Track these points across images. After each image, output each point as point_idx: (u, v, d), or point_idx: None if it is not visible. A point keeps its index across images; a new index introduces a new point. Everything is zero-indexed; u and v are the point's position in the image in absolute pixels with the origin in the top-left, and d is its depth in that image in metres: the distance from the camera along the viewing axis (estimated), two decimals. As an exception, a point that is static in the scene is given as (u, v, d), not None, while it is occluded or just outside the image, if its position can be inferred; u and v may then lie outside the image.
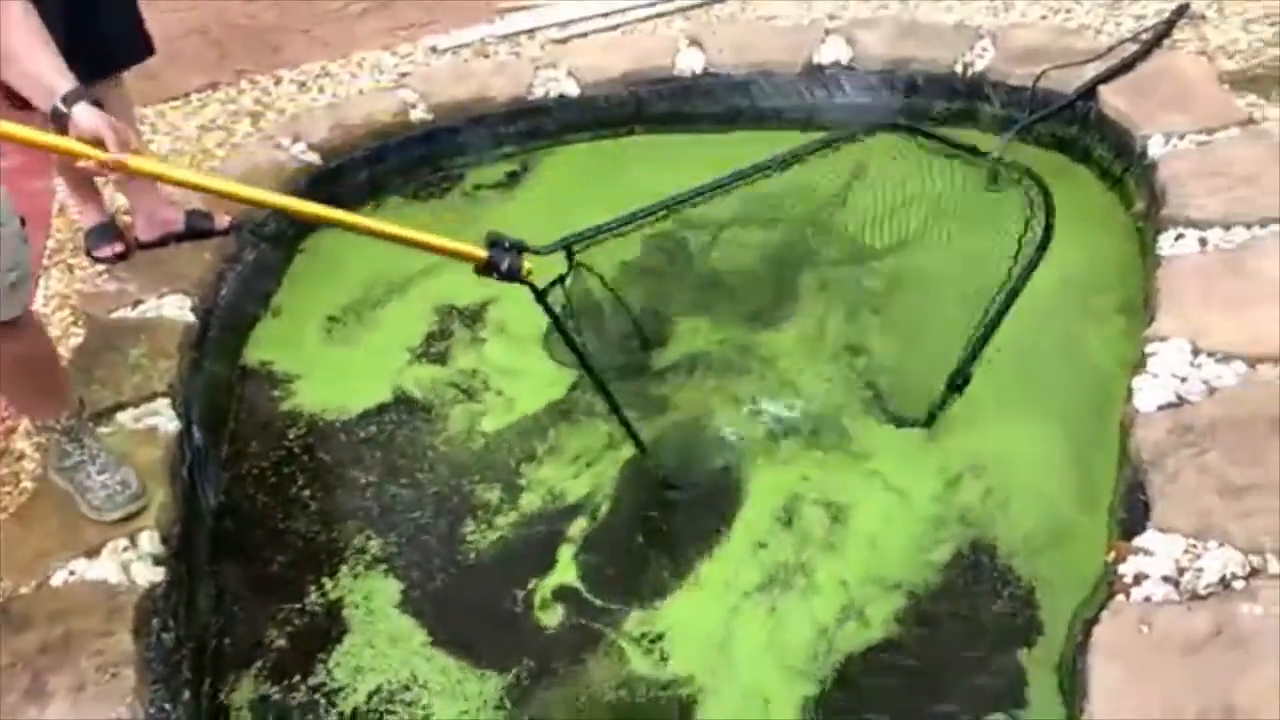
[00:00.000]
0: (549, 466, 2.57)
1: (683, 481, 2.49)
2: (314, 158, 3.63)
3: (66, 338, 2.91)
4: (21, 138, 1.84)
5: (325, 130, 3.71)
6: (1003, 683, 1.97)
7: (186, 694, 2.09)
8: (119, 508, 2.30)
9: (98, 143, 1.93)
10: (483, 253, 2.16)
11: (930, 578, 2.17)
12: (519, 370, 2.87)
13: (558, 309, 2.29)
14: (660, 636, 2.14)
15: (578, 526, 2.41)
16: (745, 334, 2.86)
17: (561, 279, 2.27)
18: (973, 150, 2.34)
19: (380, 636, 2.23)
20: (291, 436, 2.79)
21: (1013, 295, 2.28)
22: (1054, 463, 2.36)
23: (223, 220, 3.29)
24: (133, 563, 2.22)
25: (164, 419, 2.59)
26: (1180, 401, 2.18)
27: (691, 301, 2.99)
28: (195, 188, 2.17)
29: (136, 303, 2.97)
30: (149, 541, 2.27)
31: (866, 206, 2.70)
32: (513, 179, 3.75)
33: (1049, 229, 2.21)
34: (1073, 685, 1.83)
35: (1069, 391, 2.54)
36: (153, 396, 2.64)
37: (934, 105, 3.66)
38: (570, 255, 2.29)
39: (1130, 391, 2.25)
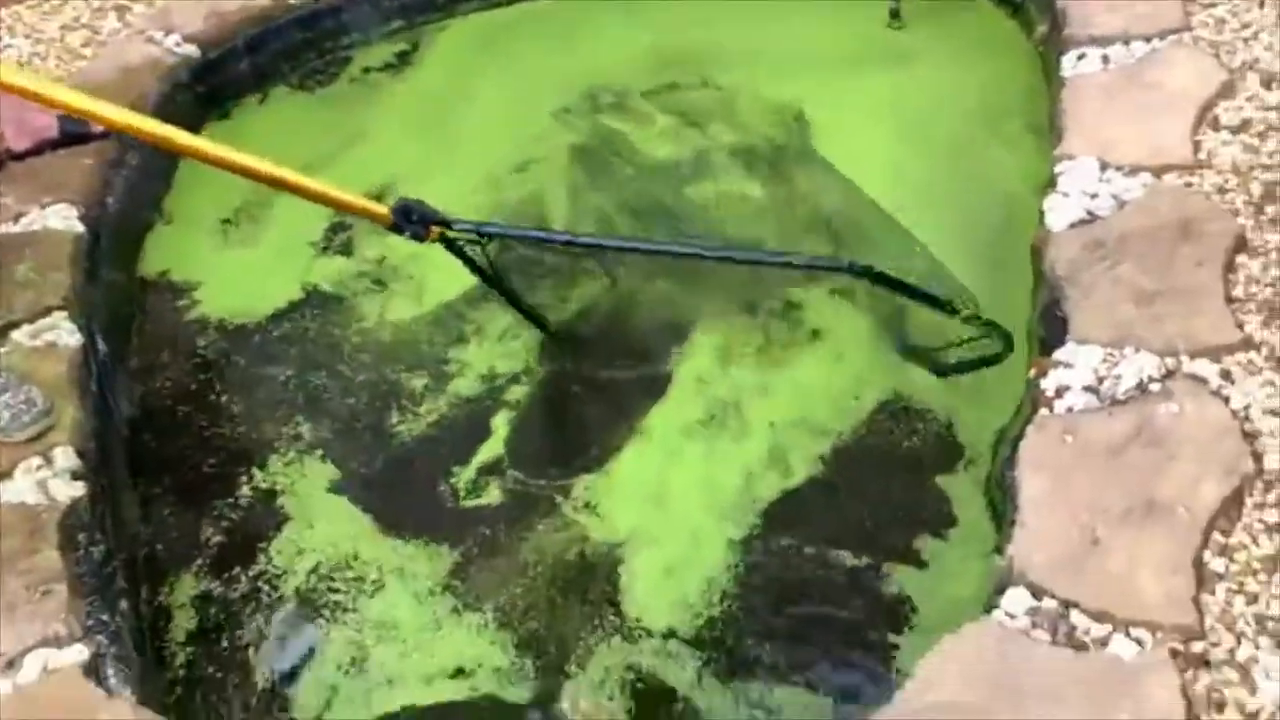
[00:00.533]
0: (474, 346, 2.54)
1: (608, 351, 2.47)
2: (191, 49, 3.41)
3: (-54, 261, 2.75)
4: None
5: (200, 20, 3.49)
6: (932, 508, 2.02)
7: (124, 603, 2.06)
8: (27, 427, 2.21)
9: None
10: (386, 213, 2.11)
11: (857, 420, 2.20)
12: (427, 255, 2.79)
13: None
14: (597, 499, 2.15)
15: (509, 400, 2.39)
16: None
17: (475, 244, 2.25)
18: (948, 307, 2.20)
19: (319, 519, 2.22)
20: (202, 342, 2.70)
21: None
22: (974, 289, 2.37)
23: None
24: (49, 480, 2.14)
25: (63, 332, 2.47)
26: (1091, 217, 2.21)
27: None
28: (70, 109, 1.84)
29: (18, 216, 2.80)
30: (64, 457, 2.19)
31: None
32: (403, 59, 3.58)
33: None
34: (1003, 501, 1.88)
35: (982, 217, 2.56)
36: (47, 311, 2.52)
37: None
38: (480, 238, 2.24)
39: (1042, 213, 2.27)
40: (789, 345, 2.37)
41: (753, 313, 2.43)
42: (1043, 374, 1.94)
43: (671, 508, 2.11)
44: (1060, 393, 1.90)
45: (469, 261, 2.32)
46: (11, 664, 1.82)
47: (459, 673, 1.93)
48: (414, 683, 1.93)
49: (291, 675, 2.00)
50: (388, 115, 3.27)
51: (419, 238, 2.16)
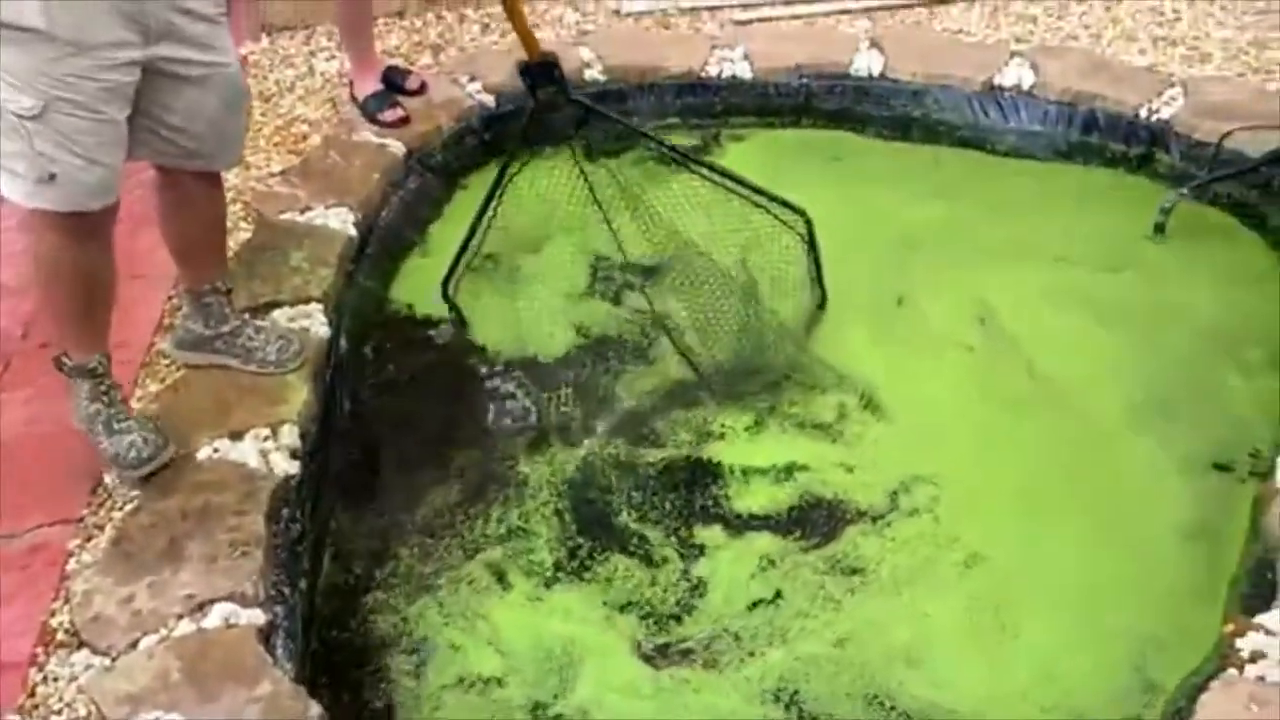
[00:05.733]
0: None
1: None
2: (488, 98, 3.71)
3: (236, 231, 3.05)
4: None
5: (502, 73, 3.79)
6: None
7: (304, 582, 2.21)
8: (295, 358, 2.51)
9: None
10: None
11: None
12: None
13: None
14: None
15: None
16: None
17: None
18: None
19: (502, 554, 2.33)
20: (427, 358, 2.88)
21: None
22: (1185, 516, 2.33)
23: (415, 80, 3.60)
24: (272, 452, 2.34)
25: (315, 322, 2.70)
26: (1325, 487, 2.12)
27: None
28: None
29: (305, 209, 3.09)
30: (288, 434, 2.39)
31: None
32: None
33: None
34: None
35: (1208, 439, 2.51)
36: (308, 300, 2.76)
37: (1109, 146, 3.58)
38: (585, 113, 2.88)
39: (1274, 466, 2.20)
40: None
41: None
42: (1240, 634, 1.87)
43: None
44: (1255, 658, 1.82)
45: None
46: (201, 608, 1.99)
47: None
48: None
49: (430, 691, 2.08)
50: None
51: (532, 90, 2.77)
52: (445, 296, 2.97)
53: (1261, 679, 1.79)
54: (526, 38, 2.71)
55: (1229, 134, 3.30)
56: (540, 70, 2.76)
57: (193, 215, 2.38)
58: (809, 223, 2.83)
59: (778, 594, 2.21)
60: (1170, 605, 2.15)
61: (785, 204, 2.83)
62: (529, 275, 3.14)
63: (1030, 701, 2.00)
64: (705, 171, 2.91)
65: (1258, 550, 2.09)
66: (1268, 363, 2.71)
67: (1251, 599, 2.00)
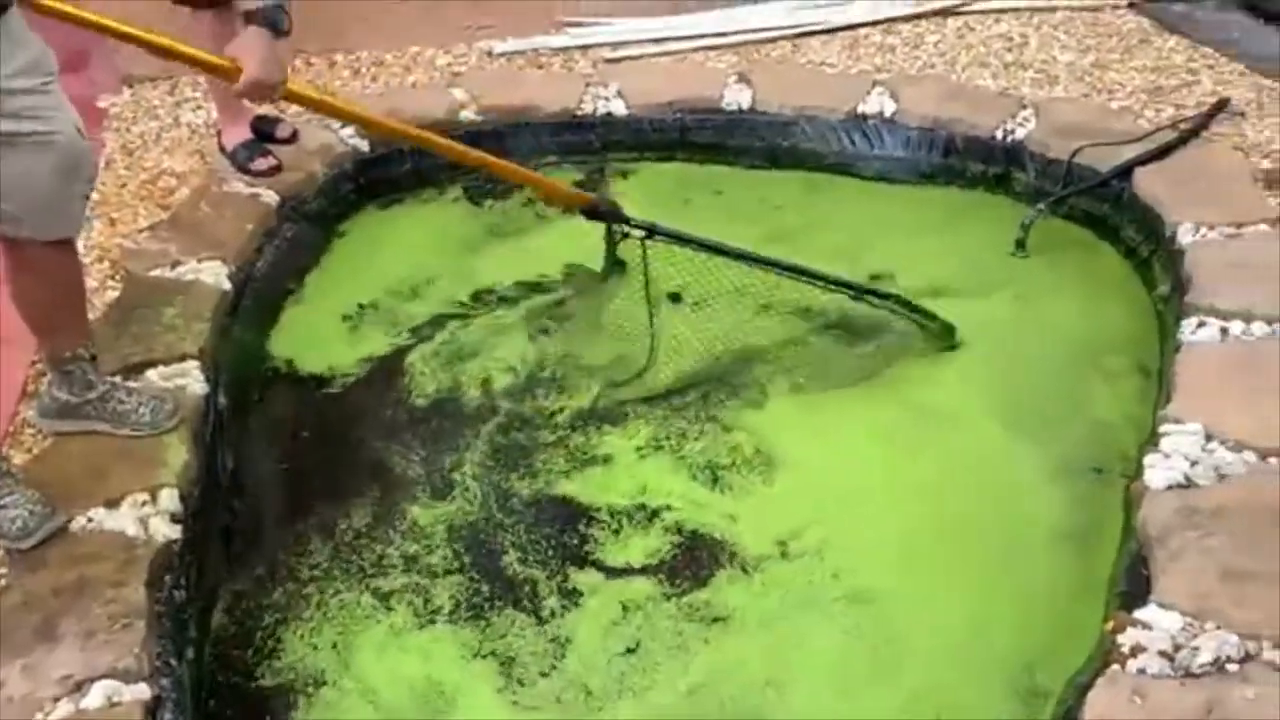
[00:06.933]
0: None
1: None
2: (362, 143, 3.68)
3: (103, 290, 2.95)
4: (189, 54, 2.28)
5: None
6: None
7: (191, 651, 2.13)
8: (171, 418, 2.43)
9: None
10: (588, 198, 2.86)
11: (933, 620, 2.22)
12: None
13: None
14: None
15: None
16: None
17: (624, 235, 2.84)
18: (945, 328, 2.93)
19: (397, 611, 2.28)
20: (312, 408, 2.84)
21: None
22: (1064, 524, 2.41)
23: (285, 129, 3.55)
24: (151, 518, 2.25)
25: (192, 380, 2.63)
26: (1189, 484, 2.23)
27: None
28: (349, 118, 2.88)
29: (176, 264, 3.01)
30: (168, 498, 2.30)
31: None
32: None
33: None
34: (1060, 747, 1.87)
35: (1080, 447, 2.61)
36: (183, 357, 2.69)
37: (970, 167, 3.74)
38: (646, 238, 2.79)
39: (1141, 467, 2.31)
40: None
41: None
42: (1120, 630, 1.95)
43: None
44: (1135, 653, 1.90)
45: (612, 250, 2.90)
46: (79, 687, 1.89)
47: None
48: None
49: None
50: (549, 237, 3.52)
51: (605, 220, 2.84)
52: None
53: (1143, 672, 1.87)
54: (571, 197, 2.89)
55: (1079, 151, 3.48)
56: (601, 214, 2.86)
57: (41, 282, 2.25)
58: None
59: (637, 644, 2.18)
60: (1056, 611, 2.21)
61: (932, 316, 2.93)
62: (409, 321, 3.12)
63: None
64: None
65: (1132, 548, 2.19)
66: (1130, 368, 2.84)
67: (1129, 595, 2.08)
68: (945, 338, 2.94)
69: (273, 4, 2.41)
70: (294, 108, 3.90)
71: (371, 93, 4.07)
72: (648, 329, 2.86)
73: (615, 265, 2.93)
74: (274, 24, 2.39)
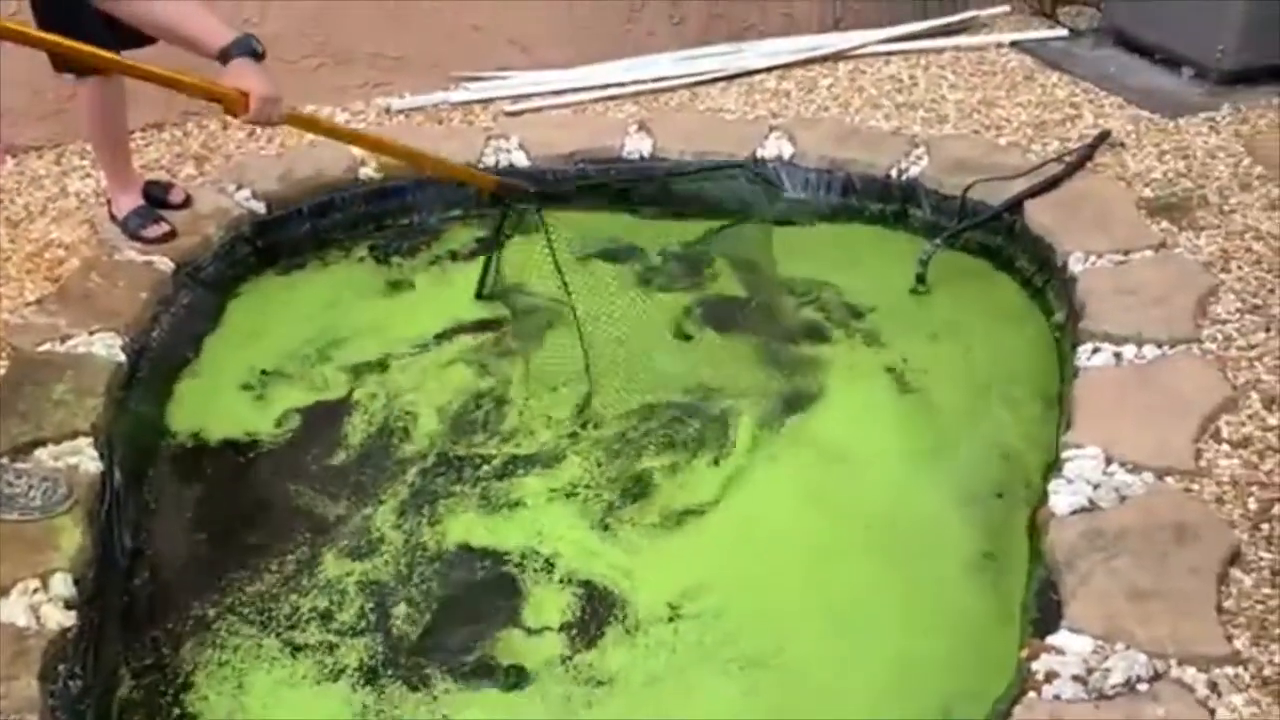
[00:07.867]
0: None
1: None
2: (259, 206, 3.62)
3: (-12, 368, 2.83)
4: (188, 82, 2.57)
5: (273, 180, 3.71)
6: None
7: (90, 745, 2.03)
8: (64, 500, 2.33)
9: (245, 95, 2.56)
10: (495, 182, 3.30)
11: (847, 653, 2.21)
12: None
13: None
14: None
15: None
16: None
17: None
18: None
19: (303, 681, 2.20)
20: (213, 480, 2.75)
21: None
22: (977, 553, 2.44)
23: (178, 194, 3.50)
24: (43, 605, 2.15)
25: (85, 458, 2.52)
26: (1092, 506, 2.28)
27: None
28: (345, 138, 3.17)
29: (65, 338, 2.91)
30: (61, 584, 2.20)
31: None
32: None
33: None
34: (983, 778, 1.88)
35: (987, 477, 2.65)
36: (75, 435, 2.58)
37: (868, 206, 3.82)
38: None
39: (1046, 494, 2.36)
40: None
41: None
42: (1035, 656, 1.97)
43: None
44: (1050, 678, 1.92)
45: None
46: (-32, 792, 1.79)
47: None
48: None
49: None
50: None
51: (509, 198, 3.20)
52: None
53: (1058, 697, 1.89)
54: (476, 178, 3.38)
55: (971, 186, 3.58)
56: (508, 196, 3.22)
57: None
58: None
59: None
60: (975, 643, 2.22)
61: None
62: (315, 382, 3.07)
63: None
64: None
65: (1041, 573, 2.22)
66: (1031, 395, 2.91)
67: (1041, 621, 2.11)
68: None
69: (240, 35, 2.63)
70: (186, 170, 3.88)
71: (269, 153, 4.01)
72: (575, 344, 3.00)
73: (504, 238, 3.30)
74: (253, 52, 2.62)
